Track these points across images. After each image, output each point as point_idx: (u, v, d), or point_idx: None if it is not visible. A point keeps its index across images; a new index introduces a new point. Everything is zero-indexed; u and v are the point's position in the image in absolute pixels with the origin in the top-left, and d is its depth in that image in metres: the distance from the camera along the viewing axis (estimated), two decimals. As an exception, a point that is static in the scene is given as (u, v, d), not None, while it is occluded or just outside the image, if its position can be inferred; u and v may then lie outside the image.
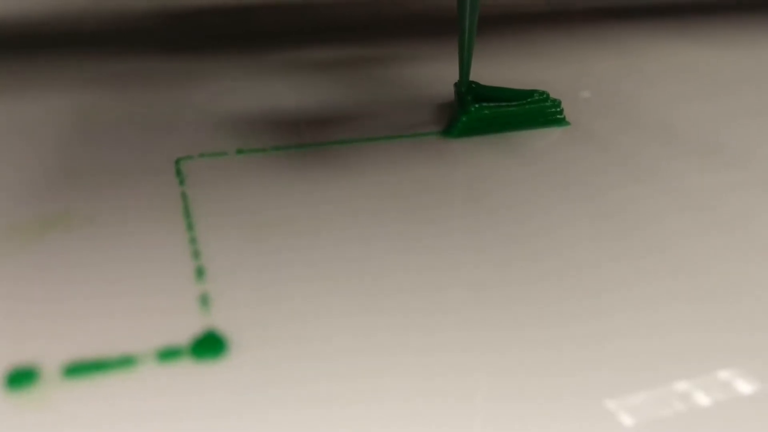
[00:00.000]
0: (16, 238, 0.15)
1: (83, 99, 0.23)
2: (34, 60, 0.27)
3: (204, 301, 0.13)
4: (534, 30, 0.33)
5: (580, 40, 0.32)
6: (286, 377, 0.12)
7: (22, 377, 0.11)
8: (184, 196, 0.17)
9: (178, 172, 0.18)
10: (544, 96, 0.22)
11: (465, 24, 0.20)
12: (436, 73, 0.26)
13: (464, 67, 0.21)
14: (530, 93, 0.22)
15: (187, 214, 0.16)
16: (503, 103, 0.21)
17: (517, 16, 0.37)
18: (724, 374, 0.12)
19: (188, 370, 0.12)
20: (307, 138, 0.20)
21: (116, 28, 0.32)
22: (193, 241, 0.15)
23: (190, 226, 0.16)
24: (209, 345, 0.12)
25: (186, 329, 0.13)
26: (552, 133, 0.21)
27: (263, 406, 0.11)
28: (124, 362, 0.12)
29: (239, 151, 0.19)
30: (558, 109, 0.22)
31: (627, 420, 0.11)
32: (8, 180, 0.18)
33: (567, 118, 0.22)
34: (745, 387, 0.12)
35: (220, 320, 0.13)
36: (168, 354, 0.12)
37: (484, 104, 0.21)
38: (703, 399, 0.11)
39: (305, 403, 0.11)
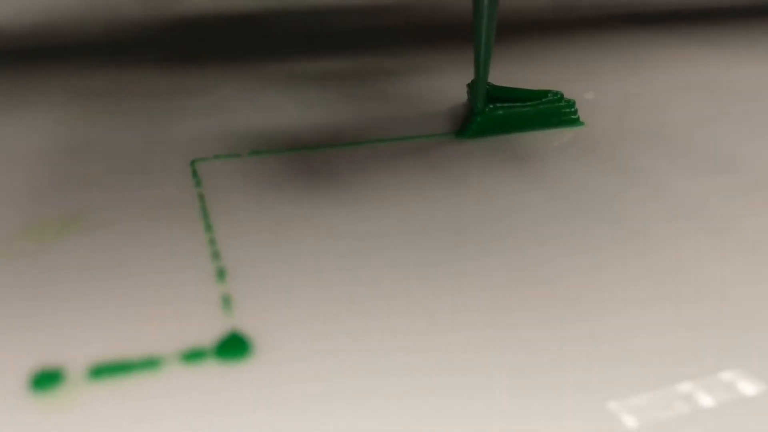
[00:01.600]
0: (35, 239, 0.15)
1: (98, 105, 0.23)
2: (50, 67, 0.27)
3: (226, 302, 0.13)
4: (539, 34, 0.33)
5: (585, 44, 0.32)
6: (311, 377, 0.12)
7: (47, 379, 0.11)
8: (201, 197, 0.17)
9: (194, 174, 0.18)
10: (558, 96, 0.22)
11: (481, 35, 0.19)
12: (448, 76, 0.26)
13: (480, 80, 0.20)
14: (544, 93, 0.22)
15: (204, 215, 0.16)
16: (517, 104, 0.21)
17: (523, 20, 0.37)
18: (726, 375, 0.12)
19: (213, 371, 0.12)
20: (320, 140, 0.20)
21: (133, 36, 0.32)
22: (212, 242, 0.15)
23: (208, 227, 0.16)
24: (233, 346, 0.12)
25: (209, 330, 0.12)
26: (565, 134, 0.21)
27: (289, 406, 0.11)
28: (149, 364, 0.12)
29: (253, 152, 0.19)
30: (572, 110, 0.22)
31: (630, 421, 0.11)
32: (26, 183, 0.17)
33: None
34: (748, 387, 0.12)
35: (243, 321, 0.13)
36: (192, 355, 0.12)
37: (498, 104, 0.21)
38: (706, 400, 0.11)
39: (331, 402, 0.11)
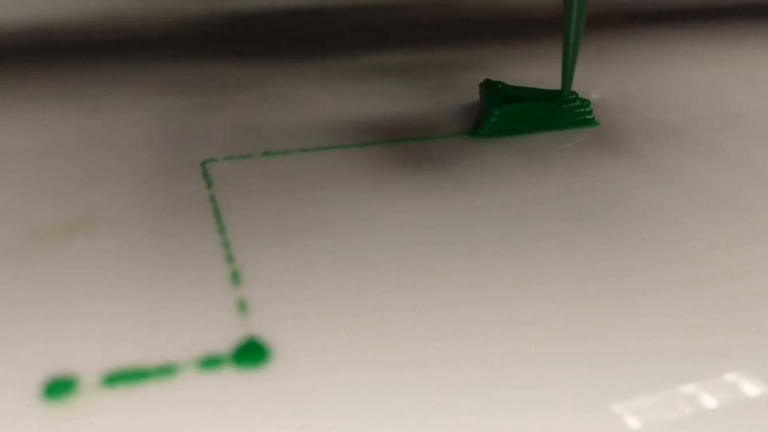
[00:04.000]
0: (46, 242, 0.15)
1: (108, 104, 0.22)
2: (59, 66, 0.27)
3: (242, 306, 0.13)
4: (547, 33, 0.33)
5: (594, 42, 0.31)
6: (331, 383, 0.11)
7: (60, 387, 0.11)
8: (212, 199, 0.17)
9: (205, 175, 0.18)
10: (573, 96, 0.21)
11: (570, 29, 0.19)
12: (460, 76, 0.26)
13: (567, 74, 0.20)
14: (559, 93, 0.21)
15: (217, 217, 0.16)
16: (531, 103, 0.21)
17: (530, 18, 0.36)
18: (730, 376, 0.12)
19: (231, 378, 0.11)
20: (333, 140, 0.20)
21: (144, 35, 0.32)
22: (225, 244, 0.15)
23: (221, 230, 0.15)
24: (251, 352, 0.12)
25: (226, 336, 0.12)
26: (581, 134, 0.21)
27: (309, 413, 0.11)
28: (165, 371, 0.11)
29: (266, 153, 0.19)
30: (587, 110, 0.21)
31: (633, 423, 0.11)
32: (37, 183, 0.17)
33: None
34: (751, 389, 0.11)
35: (259, 326, 0.12)
36: (209, 362, 0.12)
37: (513, 104, 0.21)
38: (709, 401, 0.11)
39: (353, 410, 0.11)
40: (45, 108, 0.22)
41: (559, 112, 0.21)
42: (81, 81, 0.25)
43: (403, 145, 0.20)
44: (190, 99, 0.23)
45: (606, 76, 0.27)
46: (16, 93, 0.24)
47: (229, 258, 0.14)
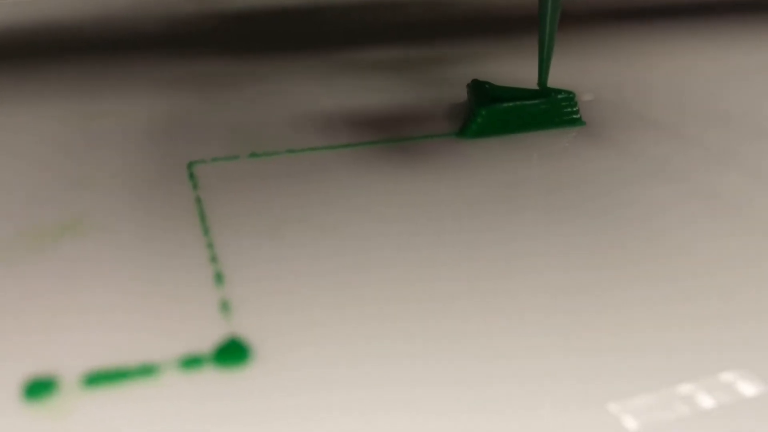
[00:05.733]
0: (31, 244, 0.15)
1: (94, 106, 0.23)
2: (44, 67, 0.27)
3: (225, 306, 0.13)
4: (534, 31, 0.33)
5: (580, 42, 0.32)
6: (312, 384, 0.11)
7: (41, 387, 0.11)
8: (198, 201, 0.17)
9: (191, 176, 0.18)
10: (562, 95, 0.21)
11: (546, 23, 0.20)
12: (447, 75, 0.26)
13: (543, 66, 0.21)
14: (546, 92, 0.21)
15: (202, 218, 0.16)
16: (518, 103, 0.21)
17: (518, 17, 0.36)
18: (728, 375, 0.12)
19: (212, 378, 0.11)
20: (320, 141, 0.20)
21: (130, 35, 0.32)
22: (210, 245, 0.15)
23: (206, 231, 0.15)
24: (232, 352, 0.12)
25: (208, 336, 0.12)
26: (567, 134, 0.21)
27: (290, 413, 0.11)
28: (146, 371, 0.11)
29: (252, 155, 0.19)
30: (574, 109, 0.21)
31: (630, 423, 0.11)
32: (21, 185, 0.17)
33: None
34: (749, 388, 0.11)
35: (242, 326, 0.12)
36: (190, 362, 0.12)
37: (499, 104, 0.21)
38: (707, 400, 0.11)
39: (334, 410, 0.11)
40: (29, 110, 0.22)
41: (545, 112, 0.21)
42: (66, 83, 0.25)
43: (390, 145, 0.20)
44: (179, 99, 0.23)
45: (597, 73, 0.27)
46: (14, 97, 0.24)
47: (213, 259, 0.14)
